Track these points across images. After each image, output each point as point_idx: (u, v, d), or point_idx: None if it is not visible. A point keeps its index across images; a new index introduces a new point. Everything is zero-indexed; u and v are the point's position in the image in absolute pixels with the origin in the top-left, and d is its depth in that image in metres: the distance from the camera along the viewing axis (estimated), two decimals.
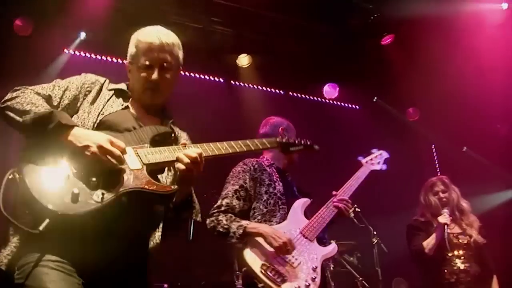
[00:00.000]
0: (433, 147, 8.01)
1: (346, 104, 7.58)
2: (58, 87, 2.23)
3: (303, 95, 7.46)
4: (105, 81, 2.39)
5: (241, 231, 3.27)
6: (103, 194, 1.91)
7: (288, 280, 3.24)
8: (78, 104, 2.25)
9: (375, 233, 5.59)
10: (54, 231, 1.82)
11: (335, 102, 7.45)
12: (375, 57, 6.89)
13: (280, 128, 3.74)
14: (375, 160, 4.07)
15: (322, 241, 3.80)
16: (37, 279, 1.84)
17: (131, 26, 2.50)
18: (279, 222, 3.49)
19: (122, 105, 2.31)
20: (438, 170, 7.80)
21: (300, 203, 3.65)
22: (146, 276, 2.19)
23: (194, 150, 2.13)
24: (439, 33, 6.18)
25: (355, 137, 6.78)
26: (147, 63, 2.30)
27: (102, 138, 1.98)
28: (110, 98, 2.32)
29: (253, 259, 3.23)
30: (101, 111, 2.23)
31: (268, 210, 3.53)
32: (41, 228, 1.79)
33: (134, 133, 2.20)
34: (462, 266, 4.47)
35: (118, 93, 2.35)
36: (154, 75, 2.29)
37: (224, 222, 3.35)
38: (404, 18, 6.36)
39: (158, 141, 2.23)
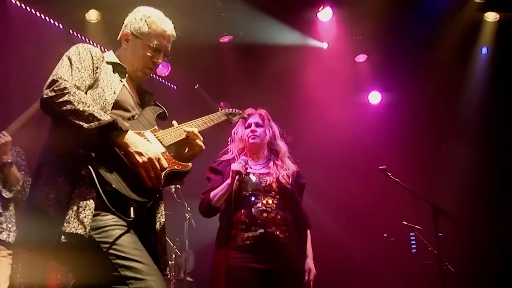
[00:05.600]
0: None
1: (168, 83, 8.06)
2: (79, 69, 2.35)
3: None
4: (102, 53, 2.55)
5: None
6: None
7: None
8: (92, 81, 2.41)
9: (189, 209, 6.31)
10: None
11: (161, 79, 7.86)
12: (210, 51, 7.55)
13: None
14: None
15: None
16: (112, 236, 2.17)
17: None
18: None
19: (121, 81, 2.53)
20: None
21: None
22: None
23: (194, 128, 2.61)
24: (276, 52, 7.22)
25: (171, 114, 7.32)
26: (157, 46, 2.59)
27: (153, 152, 2.29)
28: (110, 73, 2.51)
29: None
30: (111, 89, 2.44)
31: None
32: (132, 215, 2.16)
33: (142, 117, 2.52)
34: (264, 214, 3.58)
35: (115, 67, 2.55)
36: (160, 59, 2.63)
37: None
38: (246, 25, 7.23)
39: (157, 121, 2.62)
